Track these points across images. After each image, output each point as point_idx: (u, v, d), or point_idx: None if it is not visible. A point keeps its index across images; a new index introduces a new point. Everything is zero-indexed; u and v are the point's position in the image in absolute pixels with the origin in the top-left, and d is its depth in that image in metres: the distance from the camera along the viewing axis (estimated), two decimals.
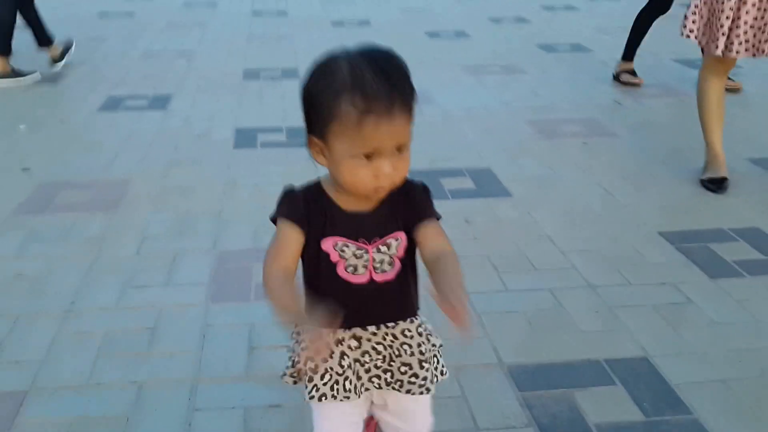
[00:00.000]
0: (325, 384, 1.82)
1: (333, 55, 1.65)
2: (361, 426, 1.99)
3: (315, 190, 1.77)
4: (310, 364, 1.79)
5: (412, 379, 1.85)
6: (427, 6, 10.49)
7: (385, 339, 1.82)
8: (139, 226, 4.07)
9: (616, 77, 6.84)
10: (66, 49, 7.36)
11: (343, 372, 1.81)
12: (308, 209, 1.73)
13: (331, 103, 1.59)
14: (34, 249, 3.85)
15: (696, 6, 4.50)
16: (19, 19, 6.97)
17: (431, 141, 5.21)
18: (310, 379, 1.83)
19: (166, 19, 9.65)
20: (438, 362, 1.94)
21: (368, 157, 1.60)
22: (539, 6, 10.54)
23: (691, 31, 4.56)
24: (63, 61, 7.29)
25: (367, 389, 1.87)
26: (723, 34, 4.31)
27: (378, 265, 1.74)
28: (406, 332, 1.83)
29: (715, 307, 3.36)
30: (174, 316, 3.27)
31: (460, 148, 5.21)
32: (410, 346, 1.83)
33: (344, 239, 1.72)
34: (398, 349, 1.83)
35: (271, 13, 10.15)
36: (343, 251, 1.72)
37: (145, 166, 4.93)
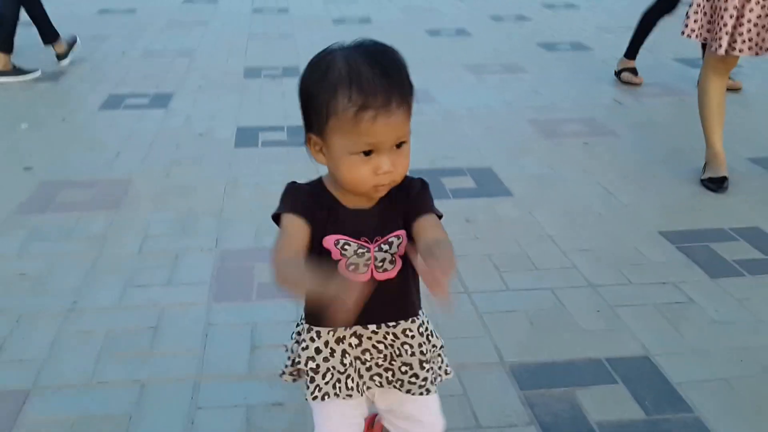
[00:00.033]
0: (327, 383, 1.82)
1: (329, 51, 1.65)
2: (361, 426, 1.99)
3: (317, 186, 1.76)
4: (311, 364, 1.79)
5: (413, 380, 1.84)
6: (428, 4, 10.49)
7: (385, 338, 1.81)
8: (140, 225, 4.08)
9: (618, 74, 6.83)
10: (70, 46, 7.38)
11: (345, 370, 1.81)
12: (312, 205, 1.71)
13: (328, 100, 1.59)
14: (35, 248, 3.86)
15: (698, 5, 4.50)
16: (24, 16, 7.00)
17: (432, 140, 5.21)
18: (312, 379, 1.82)
19: (166, 18, 9.66)
20: (442, 362, 1.93)
21: (367, 153, 1.60)
22: (540, 4, 10.55)
23: (692, 30, 4.56)
24: (69, 58, 7.31)
25: (368, 387, 1.87)
26: (726, 33, 4.31)
27: (380, 264, 1.74)
28: (407, 332, 1.82)
29: (716, 306, 3.36)
30: (176, 315, 3.27)
31: (461, 147, 5.21)
32: (411, 346, 1.82)
33: (346, 237, 1.71)
34: (399, 349, 1.82)
35: (272, 11, 10.15)
36: (344, 249, 1.71)
37: (146, 165, 4.94)
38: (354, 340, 1.81)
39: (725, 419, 2.66)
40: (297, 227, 1.69)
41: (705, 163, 4.70)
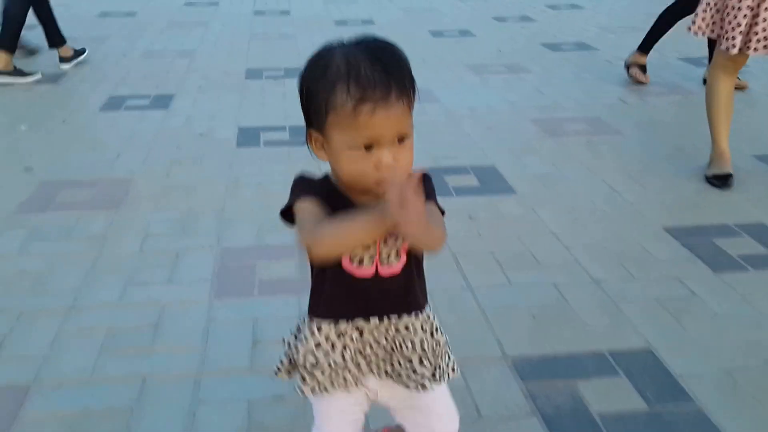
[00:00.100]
0: (324, 376, 1.80)
1: (328, 47, 1.64)
2: (361, 422, 1.97)
3: (325, 182, 1.73)
4: (311, 359, 1.77)
5: (411, 374, 1.82)
6: (431, 5, 10.49)
7: (387, 331, 1.79)
8: (141, 225, 4.07)
9: (627, 67, 6.82)
10: (78, 54, 7.40)
11: (344, 364, 1.80)
12: (322, 198, 1.68)
13: (327, 94, 1.58)
14: (36, 247, 3.85)
15: (707, 4, 4.48)
16: (32, 17, 7.03)
17: (435, 139, 5.20)
18: (311, 375, 1.81)
19: (167, 19, 9.67)
20: (449, 358, 1.91)
21: (368, 148, 1.58)
22: (544, 5, 10.55)
23: (699, 27, 4.54)
24: (71, 64, 7.32)
25: (365, 375, 1.84)
26: (741, 32, 4.29)
27: (385, 258, 1.72)
28: (410, 327, 1.80)
29: (719, 301, 3.35)
30: (177, 312, 3.26)
31: (464, 146, 5.20)
32: (412, 341, 1.81)
33: None
34: (400, 343, 1.80)
35: (274, 13, 10.16)
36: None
37: (147, 165, 4.93)
38: (355, 334, 1.79)
39: (727, 411, 2.65)
40: (317, 208, 1.65)
41: (710, 161, 4.69)
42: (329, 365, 1.79)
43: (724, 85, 4.60)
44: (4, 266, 3.66)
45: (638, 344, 3.04)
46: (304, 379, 1.82)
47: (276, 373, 1.92)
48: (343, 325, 1.78)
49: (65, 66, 7.29)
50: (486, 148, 5.16)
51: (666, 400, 2.70)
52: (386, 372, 1.84)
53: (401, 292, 1.78)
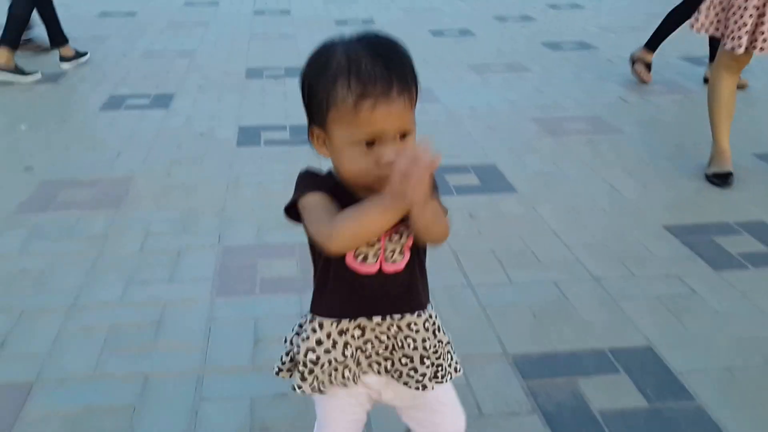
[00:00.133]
0: (324, 373, 1.79)
1: (329, 42, 1.63)
2: (362, 421, 1.97)
3: (330, 178, 1.72)
4: (311, 356, 1.76)
5: (411, 373, 1.82)
6: (431, 4, 10.49)
7: (389, 329, 1.78)
8: (142, 224, 4.07)
9: (632, 61, 6.80)
10: (79, 55, 7.41)
11: (345, 361, 1.79)
12: (328, 191, 1.67)
13: (328, 89, 1.57)
14: (37, 246, 3.86)
15: (711, 2, 4.48)
16: (35, 16, 7.07)
17: (435, 139, 5.15)
18: (311, 371, 1.79)
19: (167, 19, 9.66)
20: (451, 358, 1.90)
21: (369, 144, 1.57)
22: (544, 4, 10.54)
23: (702, 24, 4.53)
24: (71, 63, 7.33)
25: (365, 372, 1.84)
26: (747, 32, 4.27)
27: (389, 255, 1.71)
28: (412, 326, 1.79)
29: (719, 298, 3.36)
30: (179, 310, 3.27)
31: (465, 145, 5.21)
32: (414, 340, 1.79)
33: None
34: (402, 342, 1.79)
35: (274, 13, 10.16)
36: None
37: (147, 164, 4.94)
38: (357, 332, 1.78)
39: (727, 408, 2.66)
40: (326, 201, 1.64)
41: (710, 159, 4.70)
42: (329, 362, 1.78)
43: (726, 84, 4.60)
44: (6, 266, 3.67)
45: (639, 342, 3.04)
46: (303, 377, 1.81)
47: (277, 373, 1.90)
48: (345, 323, 1.77)
49: (65, 65, 7.30)
50: (487, 147, 5.17)
51: (666, 397, 2.71)
52: (386, 369, 1.83)
53: (404, 290, 1.77)
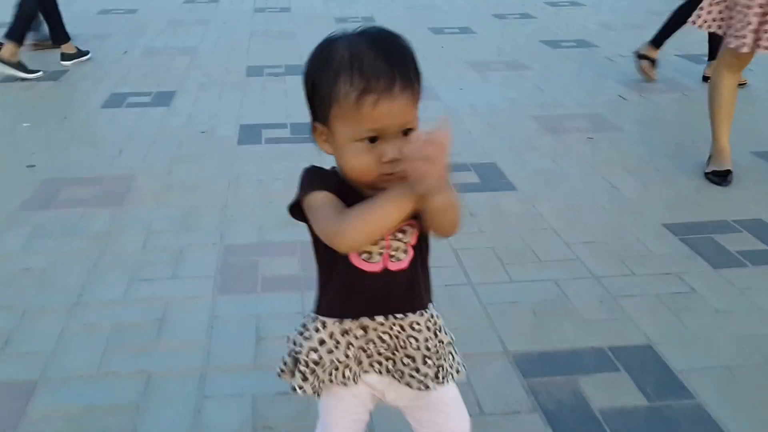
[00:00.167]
0: (324, 373, 1.78)
1: (332, 38, 1.63)
2: (365, 422, 1.96)
3: (334, 175, 1.70)
4: (313, 355, 1.75)
5: (413, 373, 1.80)
6: (431, 2, 10.49)
7: (392, 329, 1.77)
8: (144, 222, 4.09)
9: (638, 56, 6.78)
10: (81, 54, 7.43)
11: (346, 361, 1.78)
12: (335, 188, 1.65)
13: (331, 85, 1.56)
14: (39, 244, 3.88)
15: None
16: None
17: None
18: (312, 371, 1.78)
19: (167, 17, 9.67)
20: (453, 359, 1.88)
21: (372, 141, 1.56)
22: (544, 2, 10.53)
23: (705, 21, 4.53)
24: (72, 62, 7.35)
25: (366, 372, 1.82)
26: (752, 31, 4.26)
27: (393, 253, 1.70)
28: (414, 325, 1.78)
29: (719, 297, 3.38)
30: (181, 308, 3.29)
31: (465, 143, 5.21)
32: (416, 340, 1.78)
33: None
34: (404, 341, 1.78)
35: (274, 10, 10.16)
36: None
37: (149, 162, 4.95)
38: (359, 332, 1.77)
39: (726, 406, 2.68)
40: (333, 199, 1.62)
41: (709, 157, 4.71)
42: (331, 363, 1.77)
43: (727, 82, 4.60)
44: (8, 264, 3.69)
45: (638, 340, 3.06)
46: (305, 377, 1.79)
47: (279, 374, 1.88)
48: (348, 323, 1.76)
49: (66, 63, 7.32)
50: (486, 145, 5.18)
51: (666, 396, 2.72)
52: (387, 368, 1.82)
53: (407, 289, 1.76)
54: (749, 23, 4.25)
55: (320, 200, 1.62)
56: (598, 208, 4.27)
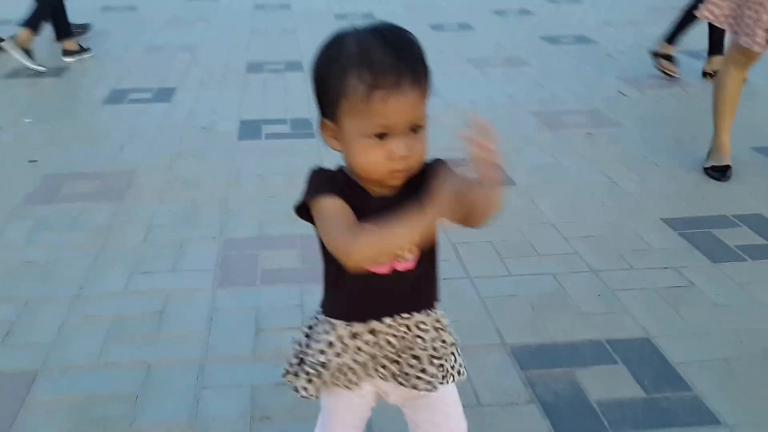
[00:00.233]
0: (330, 375, 1.77)
1: (341, 33, 1.61)
2: (366, 419, 1.96)
3: (341, 174, 1.68)
4: (321, 358, 1.75)
5: (420, 374, 1.78)
6: None
7: (398, 330, 1.75)
8: (145, 216, 4.11)
9: (655, 56, 6.77)
10: (83, 50, 7.47)
11: (354, 366, 1.76)
12: (343, 191, 1.62)
13: (339, 80, 1.55)
14: (42, 237, 3.90)
15: None
16: None
17: (433, 132, 5.18)
18: (318, 374, 1.77)
19: (168, 14, 9.70)
20: (455, 360, 1.87)
21: (381, 137, 1.55)
22: None
23: (712, 12, 4.48)
24: (74, 58, 7.37)
25: (369, 375, 1.81)
26: (764, 29, 4.22)
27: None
28: (421, 325, 1.77)
29: (717, 290, 3.39)
30: (181, 300, 3.31)
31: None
32: (423, 340, 1.77)
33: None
34: (410, 342, 1.77)
35: (274, 7, 10.18)
36: None
37: (150, 157, 4.97)
38: (369, 336, 1.75)
39: (723, 398, 2.69)
40: (342, 205, 1.59)
41: (709, 152, 4.72)
42: (338, 366, 1.76)
43: (733, 79, 4.59)
44: (11, 256, 3.71)
45: (636, 333, 3.07)
46: (310, 379, 1.79)
47: (284, 374, 1.87)
48: (357, 326, 1.74)
49: (68, 59, 7.34)
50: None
51: (663, 388, 2.73)
52: (393, 374, 1.80)
53: (414, 288, 1.76)
54: (761, 21, 4.22)
55: (330, 208, 1.59)
56: (597, 203, 4.28)
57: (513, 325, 3.12)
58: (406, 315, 1.75)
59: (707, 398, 2.68)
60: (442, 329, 1.81)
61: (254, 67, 7.19)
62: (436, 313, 1.81)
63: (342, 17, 9.33)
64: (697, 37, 6.64)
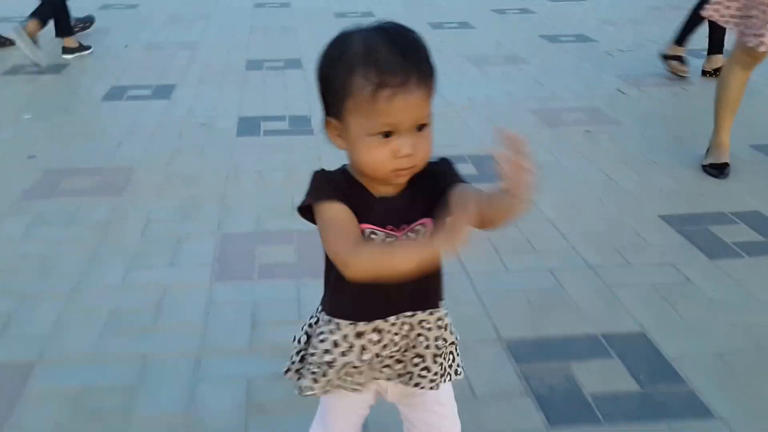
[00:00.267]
0: (337, 374, 1.77)
1: (346, 32, 1.61)
2: (365, 416, 1.97)
3: (345, 174, 1.68)
4: (327, 357, 1.74)
5: (423, 373, 1.79)
6: None
7: (402, 329, 1.75)
8: (143, 211, 4.12)
9: (665, 58, 6.76)
10: (83, 48, 7.49)
11: (360, 366, 1.76)
12: (346, 192, 1.61)
13: (345, 79, 1.54)
14: (40, 232, 3.91)
15: None
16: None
17: (434, 129, 5.20)
18: (324, 374, 1.77)
19: (168, 12, 9.72)
20: (453, 360, 1.87)
21: (386, 136, 1.55)
22: None
23: (717, 11, 4.48)
24: (73, 56, 7.39)
25: (376, 378, 1.81)
26: None
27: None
28: (424, 323, 1.77)
29: (713, 286, 3.39)
30: (178, 294, 3.32)
31: (463, 136, 5.23)
32: (426, 338, 1.77)
33: (373, 226, 1.62)
34: (414, 340, 1.77)
35: (274, 5, 10.20)
36: (371, 239, 1.64)
37: (149, 153, 4.98)
38: (375, 336, 1.74)
39: (718, 392, 2.70)
40: (346, 213, 1.59)
41: (708, 149, 4.72)
42: (344, 365, 1.75)
43: (737, 79, 4.59)
44: (9, 250, 3.72)
45: (632, 328, 3.08)
46: (316, 379, 1.78)
47: (285, 372, 1.87)
48: (362, 326, 1.73)
49: (68, 56, 7.36)
50: (484, 138, 5.18)
51: (658, 382, 2.74)
52: (397, 373, 1.80)
53: (419, 288, 1.72)
54: (766, 22, 4.21)
55: (333, 215, 1.59)
56: (595, 200, 4.28)
57: (509, 320, 3.12)
58: (409, 313, 1.74)
59: (702, 392, 2.68)
60: (443, 328, 1.81)
61: (253, 65, 7.19)
62: (439, 311, 1.80)
63: (341, 15, 9.34)
64: (695, 36, 6.64)
